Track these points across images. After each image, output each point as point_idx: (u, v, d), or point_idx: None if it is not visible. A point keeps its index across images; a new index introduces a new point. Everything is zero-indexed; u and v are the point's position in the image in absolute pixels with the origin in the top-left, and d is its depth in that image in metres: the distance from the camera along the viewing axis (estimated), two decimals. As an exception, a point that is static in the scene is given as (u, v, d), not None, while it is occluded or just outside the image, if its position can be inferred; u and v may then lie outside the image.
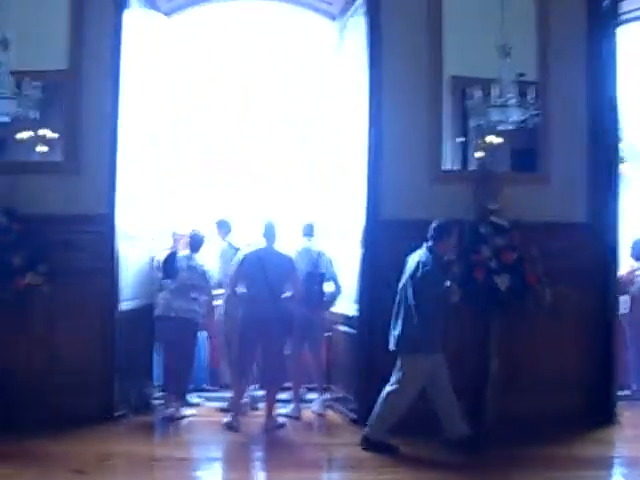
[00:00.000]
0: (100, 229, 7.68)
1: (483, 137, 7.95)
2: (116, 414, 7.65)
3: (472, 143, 8.12)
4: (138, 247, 8.08)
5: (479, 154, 8.05)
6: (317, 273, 7.86)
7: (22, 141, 7.76)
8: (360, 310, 7.75)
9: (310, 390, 8.41)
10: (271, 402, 7.53)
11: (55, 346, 7.61)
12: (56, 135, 7.78)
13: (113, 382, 7.64)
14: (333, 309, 8.23)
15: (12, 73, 7.37)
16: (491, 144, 7.93)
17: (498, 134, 7.88)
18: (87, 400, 7.54)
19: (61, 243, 7.64)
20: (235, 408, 7.55)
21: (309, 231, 8.19)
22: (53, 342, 7.62)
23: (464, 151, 8.28)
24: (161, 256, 8.17)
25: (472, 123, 7.84)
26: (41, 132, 7.75)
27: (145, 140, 8.19)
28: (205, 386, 8.97)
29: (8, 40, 7.21)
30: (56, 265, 7.45)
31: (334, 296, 7.98)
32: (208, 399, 8.61)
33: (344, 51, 8.61)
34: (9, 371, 7.40)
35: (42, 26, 7.63)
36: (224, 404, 8.14)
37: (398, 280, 6.95)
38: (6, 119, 7.31)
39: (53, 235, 7.59)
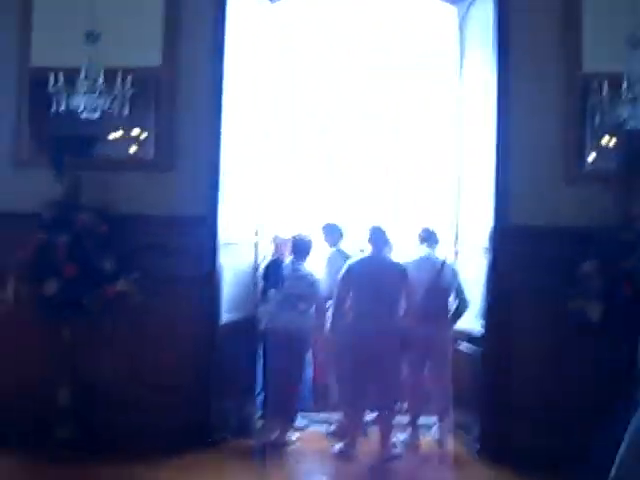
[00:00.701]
0: (198, 233, 6.99)
1: (612, 135, 6.98)
2: (213, 438, 6.86)
3: (597, 142, 7.10)
4: (237, 253, 7.31)
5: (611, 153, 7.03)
6: (441, 285, 6.96)
7: (113, 138, 7.21)
8: (486, 327, 6.87)
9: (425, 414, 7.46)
10: (386, 429, 6.70)
11: (144, 361, 6.96)
12: (147, 132, 7.22)
13: (210, 402, 6.93)
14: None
15: (104, 70, 6.76)
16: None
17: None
18: (180, 421, 6.84)
19: (154, 247, 6.95)
20: (348, 435, 6.70)
21: (429, 237, 7.29)
22: (142, 356, 6.98)
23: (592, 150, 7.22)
24: (263, 263, 7.38)
25: (598, 120, 6.87)
26: (132, 128, 7.22)
27: (245, 137, 7.42)
28: (310, 406, 8.06)
29: (97, 35, 6.70)
30: (148, 272, 6.77)
31: (460, 311, 7.05)
32: (314, 421, 7.74)
33: (465, 40, 7.68)
34: (92, 387, 6.84)
35: (135, 21, 7.14)
36: (332, 427, 7.28)
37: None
38: (96, 115, 6.76)
39: (145, 238, 6.93)
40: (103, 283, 6.55)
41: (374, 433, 6.94)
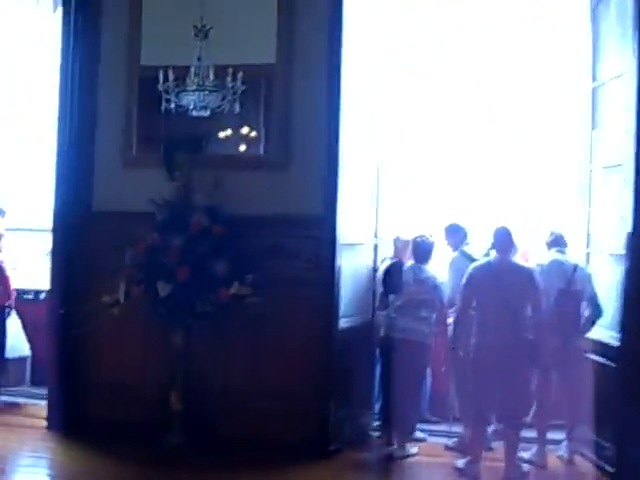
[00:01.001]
0: (316, 233, 6.69)
1: None
2: (329, 449, 6.54)
3: None
4: (354, 255, 6.97)
5: None
6: (573, 291, 6.46)
7: (225, 135, 7.10)
8: (623, 339, 6.28)
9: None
10: (512, 446, 6.22)
11: (259, 367, 6.78)
12: (259, 130, 7.09)
13: (329, 411, 6.60)
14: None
15: (215, 67, 6.56)
16: None
17: None
18: (296, 430, 6.58)
19: (270, 248, 6.77)
20: (471, 451, 6.27)
21: (559, 241, 6.79)
22: (257, 362, 6.79)
23: None
24: (383, 266, 7.01)
25: None
26: (242, 126, 7.06)
27: (362, 133, 7.07)
28: (428, 417, 7.65)
29: (207, 30, 6.48)
30: (264, 274, 6.51)
31: (593, 319, 6.54)
32: (432, 433, 7.33)
33: (599, 32, 7.12)
34: (204, 392, 6.66)
35: (247, 17, 6.94)
36: (452, 441, 6.87)
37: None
38: (206, 113, 6.59)
39: (260, 239, 6.73)
40: (217, 287, 6.31)
41: (498, 449, 6.46)
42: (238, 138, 7.12)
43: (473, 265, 6.40)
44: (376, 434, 7.18)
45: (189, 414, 6.61)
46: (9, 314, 8.04)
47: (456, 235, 7.10)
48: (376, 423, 7.26)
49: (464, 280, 6.32)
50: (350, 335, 6.79)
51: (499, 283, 6.17)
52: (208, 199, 6.58)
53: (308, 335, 6.61)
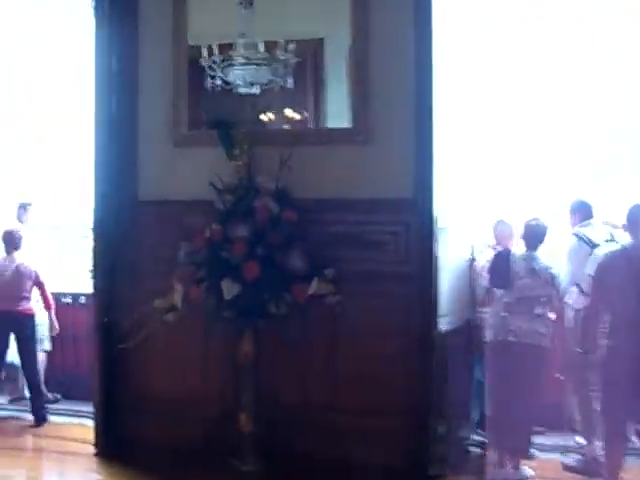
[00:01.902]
0: (406, 219, 5.62)
1: None
2: (428, 474, 5.50)
3: None
4: (447, 243, 5.84)
5: None
6: None
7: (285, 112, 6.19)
8: None
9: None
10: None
11: (341, 377, 5.74)
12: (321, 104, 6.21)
13: (427, 429, 5.56)
14: None
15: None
16: None
17: None
18: (387, 452, 5.57)
19: (349, 238, 5.71)
20: (606, 474, 5.16)
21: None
22: (338, 372, 5.74)
23: None
24: (483, 256, 5.89)
25: None
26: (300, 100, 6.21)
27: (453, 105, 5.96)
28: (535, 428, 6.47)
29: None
30: (342, 268, 5.49)
31: None
32: (542, 449, 6.18)
33: None
34: (277, 409, 5.68)
35: None
36: (572, 459, 5.75)
37: None
38: (256, 89, 5.98)
39: (337, 227, 5.70)
40: (292, 284, 5.22)
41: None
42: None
43: (604, 252, 5.25)
44: (477, 451, 6.05)
45: (261, 435, 5.61)
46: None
47: (582, 214, 5.93)
48: (476, 437, 6.12)
49: (593, 270, 5.18)
50: (447, 339, 5.67)
51: (637, 273, 5.02)
52: (274, 181, 5.45)
53: (400, 340, 5.58)
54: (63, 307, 7.77)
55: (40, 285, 7.32)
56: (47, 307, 7.44)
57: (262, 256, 5.19)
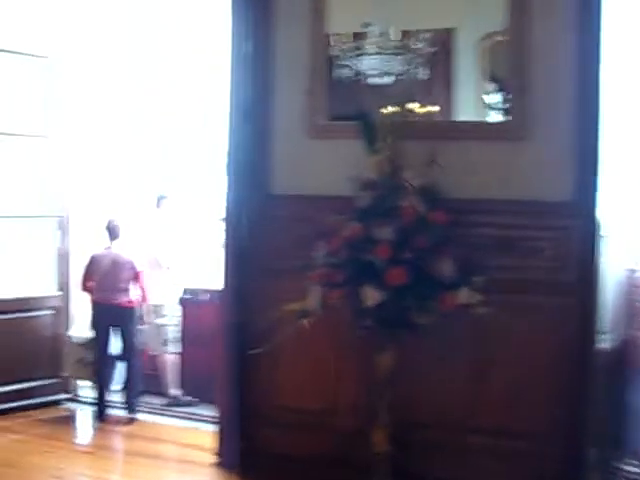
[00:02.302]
0: (565, 224, 5.09)
1: None
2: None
3: None
4: (610, 252, 5.28)
5: None
6: None
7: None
8: None
9: None
10: None
11: (484, 395, 5.23)
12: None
13: (578, 456, 5.06)
14: None
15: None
16: None
17: None
18: (532, 477, 5.13)
19: (498, 243, 5.20)
20: None
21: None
22: (482, 389, 5.25)
23: None
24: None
25: None
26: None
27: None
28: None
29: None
30: (490, 276, 4.96)
31: None
32: None
33: None
34: (413, 427, 5.25)
35: None
36: None
37: None
38: (389, 80, 5.61)
39: (485, 230, 5.21)
40: (439, 292, 4.71)
41: None
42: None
43: None
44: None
45: (397, 456, 5.11)
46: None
47: None
48: (630, 469, 5.53)
49: None
50: (604, 359, 5.13)
51: None
52: (421, 178, 4.95)
53: (550, 357, 5.06)
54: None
55: (136, 276, 7.08)
56: (142, 299, 7.23)
57: (408, 261, 4.68)
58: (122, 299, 7.19)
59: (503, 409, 5.17)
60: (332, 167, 5.48)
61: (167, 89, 8.70)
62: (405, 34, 5.70)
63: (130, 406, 7.14)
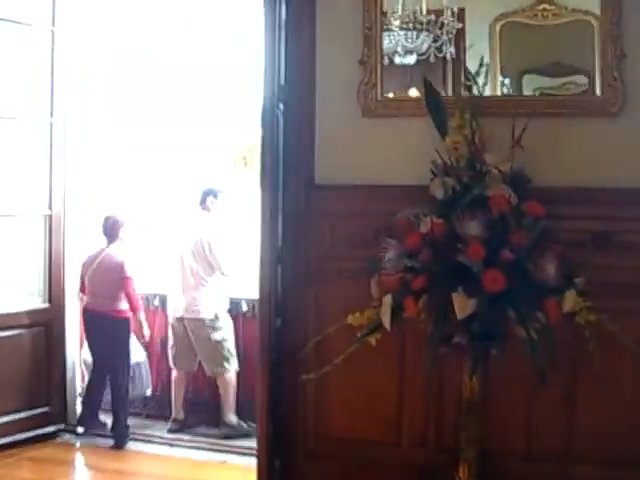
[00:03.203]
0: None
1: None
2: None
3: None
4: None
5: None
6: None
7: None
8: None
9: None
10: None
11: (580, 418, 4.40)
12: None
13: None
14: None
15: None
16: None
17: None
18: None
19: (594, 239, 4.37)
20: None
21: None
22: (577, 412, 4.41)
23: None
24: None
25: None
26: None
27: None
28: None
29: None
30: (593, 278, 4.09)
31: None
32: None
33: None
34: (500, 456, 4.40)
35: None
36: None
37: None
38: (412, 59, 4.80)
39: (579, 224, 4.36)
40: (542, 297, 3.83)
41: None
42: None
43: None
44: None
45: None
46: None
47: None
48: None
49: None
50: None
51: None
52: (506, 162, 4.06)
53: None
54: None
55: (122, 281, 6.12)
56: (131, 308, 6.23)
57: (507, 261, 3.79)
58: (108, 307, 6.25)
59: (603, 435, 4.35)
60: (392, 150, 4.65)
61: (186, 66, 7.68)
62: (432, 11, 4.99)
63: (117, 435, 6.17)
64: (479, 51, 4.86)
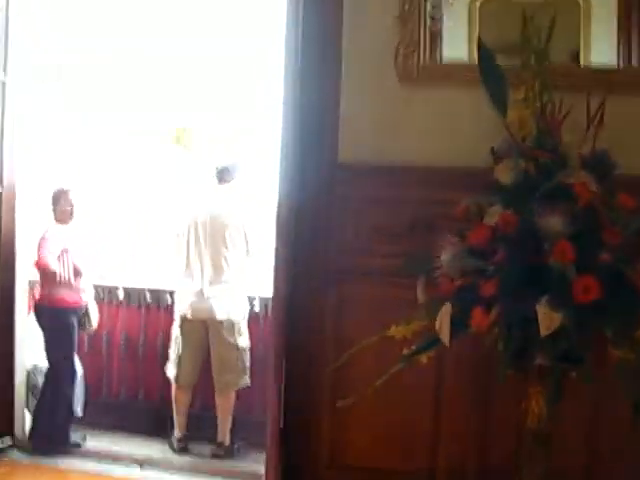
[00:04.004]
0: None
1: None
2: None
3: None
4: None
5: None
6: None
7: None
8: None
9: None
10: None
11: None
12: None
13: None
14: None
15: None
16: None
17: None
18: None
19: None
20: None
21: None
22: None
23: None
24: None
25: None
26: None
27: None
28: None
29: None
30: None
31: None
32: None
33: None
34: None
35: None
36: None
37: None
38: None
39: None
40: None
41: None
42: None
43: None
44: None
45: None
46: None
47: None
48: None
49: None
50: None
51: None
52: (586, 143, 3.38)
53: None
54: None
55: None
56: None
57: (603, 266, 3.02)
58: (51, 296, 5.37)
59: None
60: (435, 125, 3.86)
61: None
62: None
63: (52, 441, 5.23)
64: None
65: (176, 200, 6.55)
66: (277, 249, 3.86)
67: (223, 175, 5.76)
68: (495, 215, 3.28)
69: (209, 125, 7.22)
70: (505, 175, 3.38)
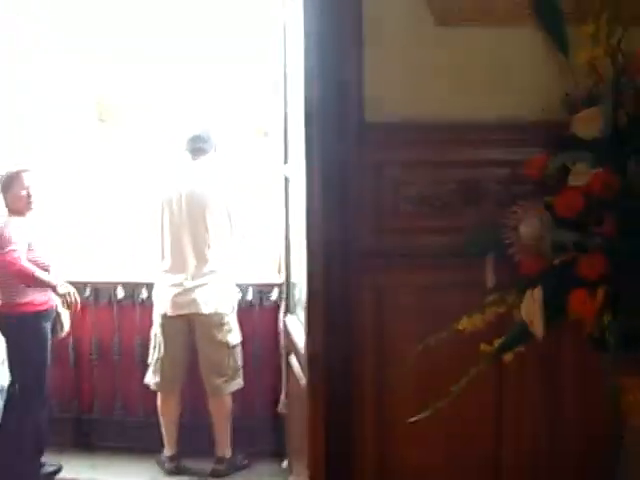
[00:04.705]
0: None
1: None
2: None
3: None
4: None
5: None
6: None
7: None
8: None
9: None
10: None
11: None
12: None
13: None
14: None
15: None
16: None
17: None
18: None
19: None
20: None
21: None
22: None
23: None
24: None
25: None
26: None
27: None
28: None
29: None
30: None
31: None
32: None
33: None
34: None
35: None
36: None
37: None
38: None
39: None
40: None
41: None
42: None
43: None
44: None
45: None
46: None
47: None
48: None
49: None
50: None
51: None
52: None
53: None
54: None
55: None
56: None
57: None
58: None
59: None
60: (483, 72, 3.16)
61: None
62: None
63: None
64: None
65: (141, 179, 5.78)
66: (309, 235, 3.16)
67: (196, 145, 5.00)
68: (584, 176, 2.64)
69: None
70: (588, 127, 2.75)
